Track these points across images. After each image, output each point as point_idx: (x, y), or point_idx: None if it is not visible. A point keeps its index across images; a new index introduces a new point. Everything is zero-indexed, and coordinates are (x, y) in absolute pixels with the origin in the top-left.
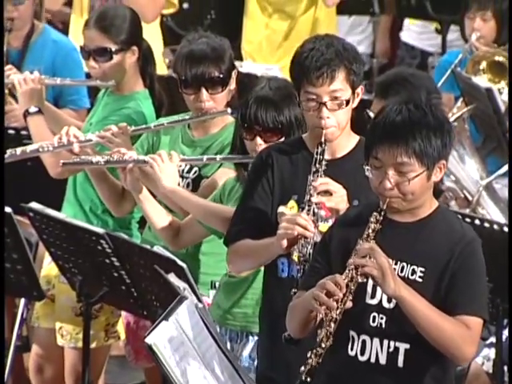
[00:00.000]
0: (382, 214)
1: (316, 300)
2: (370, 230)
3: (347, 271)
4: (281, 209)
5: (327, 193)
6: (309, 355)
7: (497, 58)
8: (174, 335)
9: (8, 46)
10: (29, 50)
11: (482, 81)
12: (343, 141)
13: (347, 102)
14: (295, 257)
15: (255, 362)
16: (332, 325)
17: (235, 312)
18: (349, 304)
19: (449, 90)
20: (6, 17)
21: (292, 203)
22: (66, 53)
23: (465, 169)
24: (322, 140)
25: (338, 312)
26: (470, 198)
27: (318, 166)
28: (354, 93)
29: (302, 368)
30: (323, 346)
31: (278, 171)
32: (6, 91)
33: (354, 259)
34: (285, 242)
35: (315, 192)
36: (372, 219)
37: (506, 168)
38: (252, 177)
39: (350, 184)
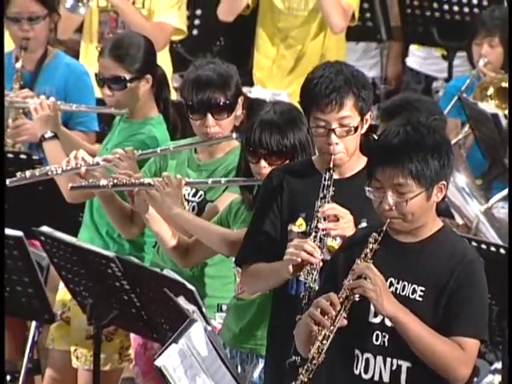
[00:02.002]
0: (382, 234)
1: (311, 318)
2: (368, 250)
3: (343, 290)
4: (290, 227)
5: (334, 217)
6: (300, 371)
7: (504, 84)
8: (184, 357)
9: (22, 69)
10: (41, 73)
11: (489, 106)
12: (352, 162)
13: (355, 129)
14: (302, 277)
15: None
16: (324, 342)
17: (244, 335)
18: (343, 322)
19: (456, 116)
20: (21, 36)
21: (300, 221)
22: (78, 76)
23: (463, 196)
24: (331, 165)
25: (331, 329)
26: (469, 224)
27: (325, 191)
28: (362, 119)
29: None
30: (314, 362)
31: (287, 191)
32: (20, 110)
33: (349, 280)
34: (291, 268)
35: (322, 218)
36: (371, 239)
37: (504, 192)
38: (262, 198)
39: (357, 203)
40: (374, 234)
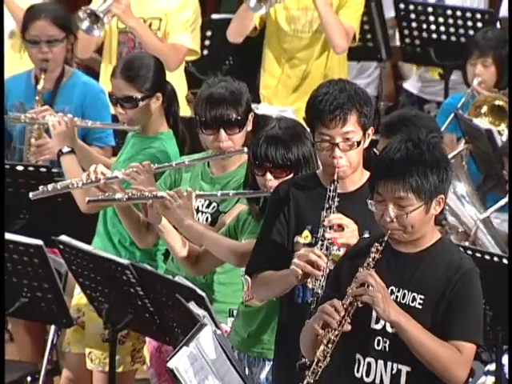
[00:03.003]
0: (383, 244)
1: (317, 322)
2: (371, 259)
3: (346, 297)
4: (296, 238)
5: (339, 227)
6: (306, 373)
7: (497, 103)
8: (195, 360)
9: (41, 88)
10: (59, 91)
11: (483, 123)
12: (355, 176)
13: (358, 143)
14: (309, 285)
15: None
16: (329, 345)
17: (252, 340)
18: (347, 327)
19: (452, 131)
20: (40, 58)
21: (306, 233)
22: (95, 94)
23: (463, 204)
24: (335, 178)
25: (335, 333)
26: (468, 231)
27: (330, 202)
28: (364, 134)
29: None
30: (320, 364)
31: (293, 204)
32: (41, 127)
33: (352, 287)
34: (298, 276)
35: (328, 227)
36: (373, 249)
37: (502, 202)
38: (270, 211)
39: (360, 215)
40: (376, 244)
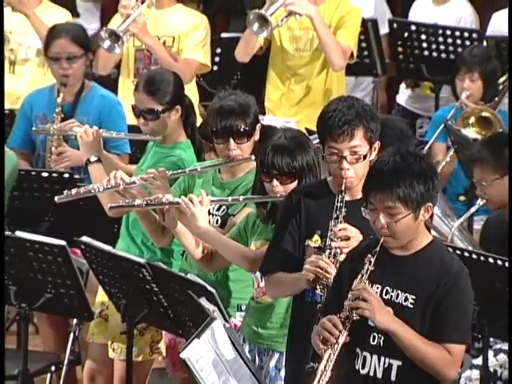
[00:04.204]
0: (375, 255)
1: (318, 336)
2: (365, 271)
3: (344, 311)
4: (307, 242)
5: (345, 236)
6: None
7: (484, 114)
8: (205, 351)
9: (62, 100)
10: (79, 104)
11: (471, 133)
12: (362, 185)
13: (365, 157)
14: (318, 290)
15: (280, 372)
16: (330, 360)
17: (262, 333)
18: (346, 339)
19: (442, 141)
20: (61, 73)
21: (316, 237)
22: (112, 106)
23: (440, 217)
24: (343, 188)
25: (335, 347)
26: (444, 239)
27: (338, 212)
28: (371, 148)
29: None
30: (323, 378)
31: (304, 209)
32: (61, 137)
33: (348, 302)
34: (309, 280)
35: (335, 237)
36: (366, 260)
37: (472, 210)
38: (282, 215)
39: (365, 221)
40: (369, 255)
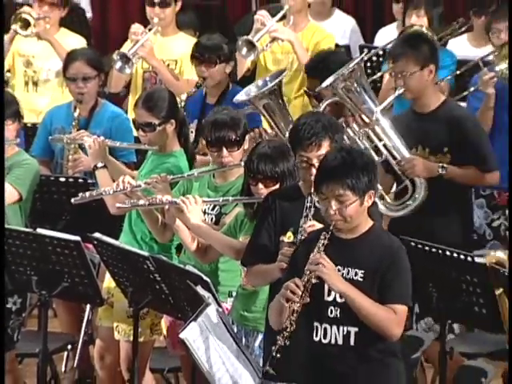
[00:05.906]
0: (330, 233)
1: (283, 297)
2: (321, 244)
3: (304, 275)
4: (281, 238)
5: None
6: (277, 338)
7: None
8: (201, 331)
9: (79, 115)
10: (93, 118)
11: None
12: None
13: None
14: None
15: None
16: (294, 315)
17: (248, 316)
18: (306, 299)
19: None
20: (77, 92)
21: (289, 234)
22: (121, 121)
23: (362, 98)
24: (312, 191)
25: (298, 305)
26: (367, 120)
27: (307, 211)
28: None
29: (273, 347)
30: (288, 330)
31: (279, 210)
32: (77, 146)
33: (308, 266)
34: (282, 269)
35: (305, 233)
36: (322, 236)
37: (392, 97)
38: (260, 215)
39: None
40: (324, 232)
